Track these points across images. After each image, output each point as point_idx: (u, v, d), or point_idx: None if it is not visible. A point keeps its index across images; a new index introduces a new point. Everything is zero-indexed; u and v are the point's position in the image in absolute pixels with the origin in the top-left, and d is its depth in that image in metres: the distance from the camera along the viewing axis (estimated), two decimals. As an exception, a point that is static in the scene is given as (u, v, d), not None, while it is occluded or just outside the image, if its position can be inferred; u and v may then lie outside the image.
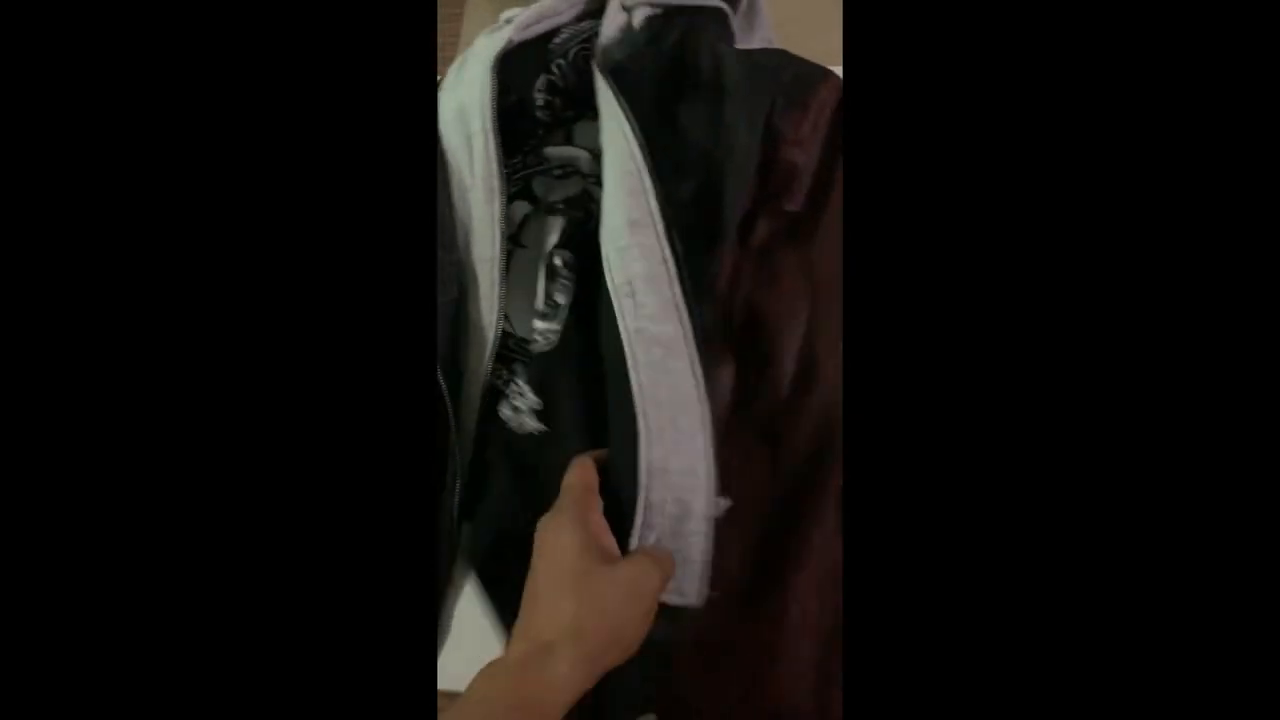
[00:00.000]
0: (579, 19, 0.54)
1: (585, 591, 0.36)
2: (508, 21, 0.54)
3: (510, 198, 0.53)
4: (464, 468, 0.50)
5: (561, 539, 0.37)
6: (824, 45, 0.57)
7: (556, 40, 0.54)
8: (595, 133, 0.55)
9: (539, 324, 0.52)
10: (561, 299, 0.51)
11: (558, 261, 0.52)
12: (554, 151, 0.54)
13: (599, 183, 0.49)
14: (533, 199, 0.54)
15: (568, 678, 0.33)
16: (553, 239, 0.54)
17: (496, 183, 0.50)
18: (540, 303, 0.53)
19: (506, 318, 0.50)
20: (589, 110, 0.55)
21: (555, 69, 0.54)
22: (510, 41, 0.52)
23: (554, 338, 0.51)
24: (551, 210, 0.52)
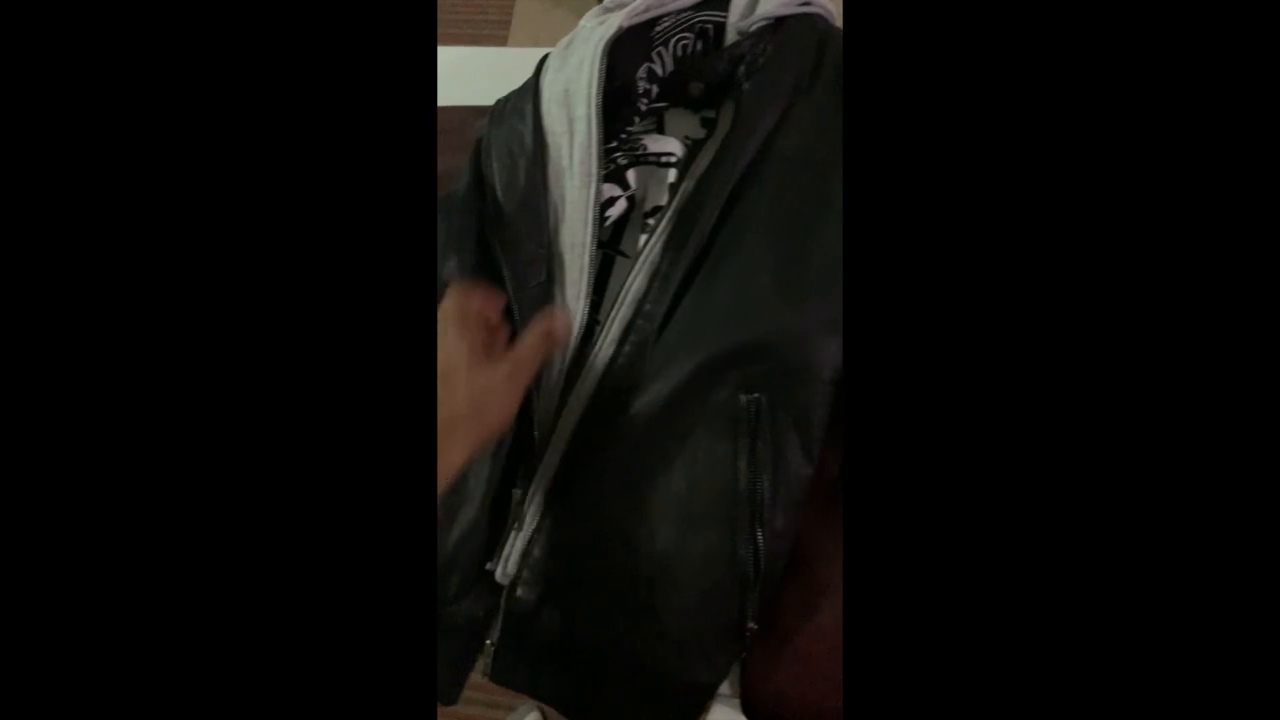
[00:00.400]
0: (681, 9, 0.53)
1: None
2: (619, 5, 0.52)
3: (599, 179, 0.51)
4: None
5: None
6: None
7: (659, 27, 0.53)
8: (688, 122, 0.54)
9: None
10: None
11: None
12: (651, 141, 0.52)
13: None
14: (624, 184, 0.52)
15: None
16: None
17: (595, 168, 0.48)
18: None
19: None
20: (683, 100, 0.54)
21: (656, 56, 0.52)
22: (620, 28, 0.50)
23: None
24: (644, 227, 0.51)
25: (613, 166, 0.51)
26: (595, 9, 0.55)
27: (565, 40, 0.55)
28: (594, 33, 0.51)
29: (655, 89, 0.53)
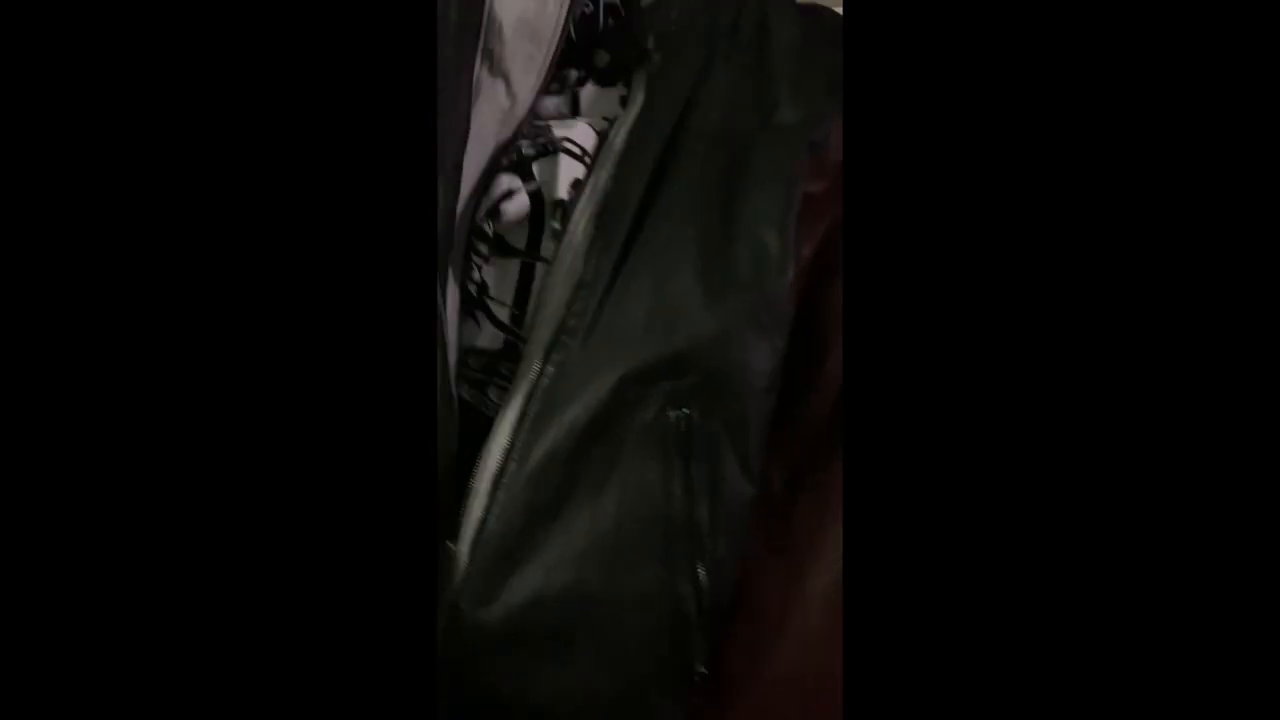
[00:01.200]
0: None
1: None
2: None
3: (500, 167, 0.46)
4: None
5: None
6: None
7: None
8: (607, 100, 0.48)
9: None
10: None
11: None
12: (559, 126, 0.46)
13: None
14: (528, 176, 0.46)
15: None
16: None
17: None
18: None
19: None
20: (598, 72, 0.48)
21: (589, 3, 0.48)
22: None
23: None
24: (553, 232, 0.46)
25: (516, 155, 0.45)
26: None
27: None
28: None
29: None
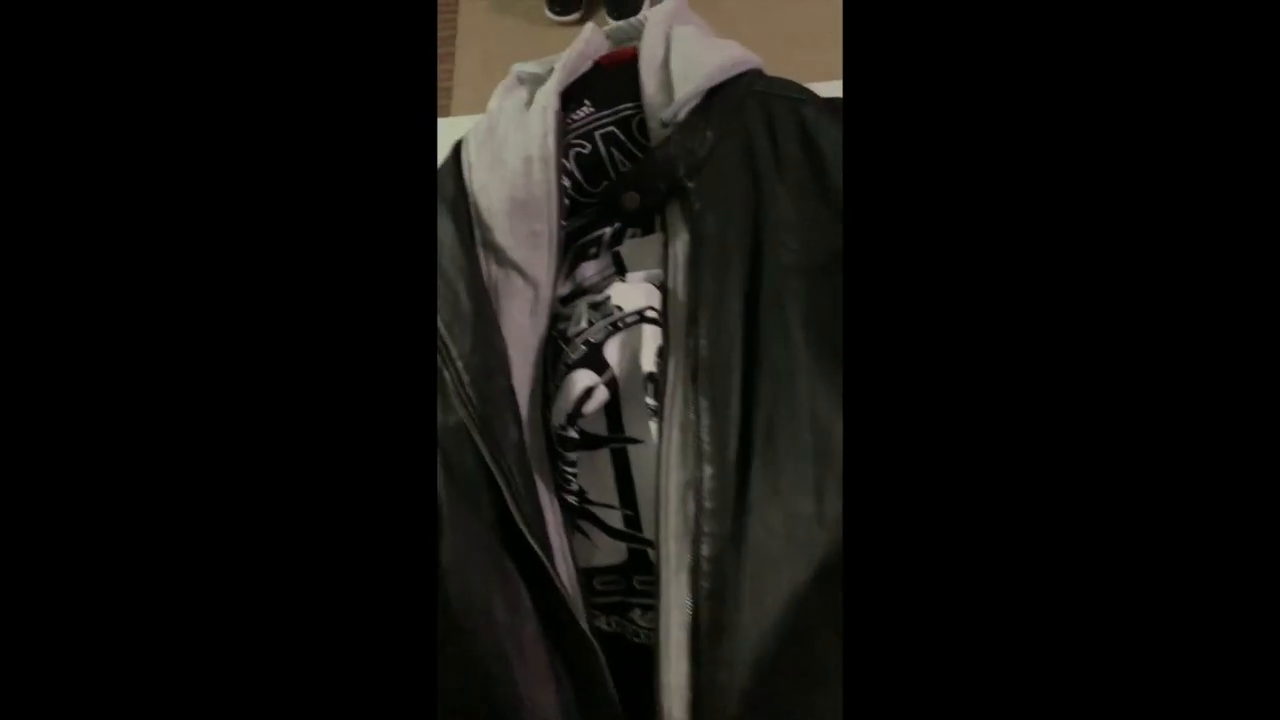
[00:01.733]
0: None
1: None
2: (534, 78, 0.47)
3: (561, 363, 0.40)
4: None
5: None
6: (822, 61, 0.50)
7: (579, 113, 0.45)
8: (649, 250, 0.43)
9: None
10: None
11: None
12: (619, 294, 0.40)
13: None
14: (600, 366, 0.40)
15: None
16: None
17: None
18: None
19: None
20: (629, 214, 0.43)
21: (583, 143, 0.45)
22: (558, 113, 0.44)
23: None
24: (652, 410, 0.40)
25: (585, 347, 0.39)
26: (507, 81, 0.47)
27: (483, 124, 0.46)
28: (528, 119, 0.43)
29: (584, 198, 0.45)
